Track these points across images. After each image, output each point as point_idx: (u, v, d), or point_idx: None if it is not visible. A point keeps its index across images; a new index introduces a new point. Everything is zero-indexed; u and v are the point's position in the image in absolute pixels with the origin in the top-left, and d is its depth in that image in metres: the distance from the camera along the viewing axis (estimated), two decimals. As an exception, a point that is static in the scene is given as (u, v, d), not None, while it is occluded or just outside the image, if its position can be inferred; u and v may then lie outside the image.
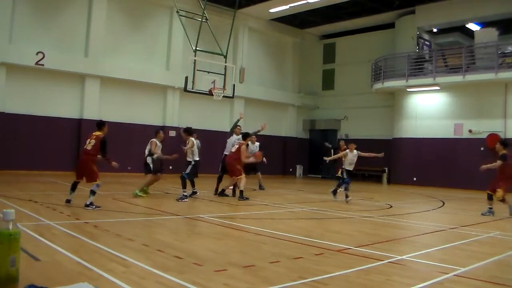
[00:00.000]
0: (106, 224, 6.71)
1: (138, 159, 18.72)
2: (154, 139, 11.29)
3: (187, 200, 10.32)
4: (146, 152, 11.34)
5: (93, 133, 8.61)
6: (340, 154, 12.14)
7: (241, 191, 11.23)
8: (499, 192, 9.60)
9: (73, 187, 8.48)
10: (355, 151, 11.88)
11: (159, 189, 12.59)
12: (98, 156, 8.48)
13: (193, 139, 10.87)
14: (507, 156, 9.68)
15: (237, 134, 12.35)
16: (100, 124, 8.78)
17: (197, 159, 10.87)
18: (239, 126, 12.78)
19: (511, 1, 18.40)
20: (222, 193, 11.75)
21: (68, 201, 8.45)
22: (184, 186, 10.46)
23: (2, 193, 9.66)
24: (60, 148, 16.85)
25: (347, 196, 11.73)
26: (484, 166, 9.83)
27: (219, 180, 12.15)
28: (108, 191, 11.38)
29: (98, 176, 8.31)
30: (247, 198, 11.21)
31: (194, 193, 10.98)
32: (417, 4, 20.90)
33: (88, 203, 8.18)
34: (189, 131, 11.05)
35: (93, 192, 8.21)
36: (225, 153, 12.28)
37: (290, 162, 25.15)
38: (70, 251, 4.81)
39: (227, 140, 12.58)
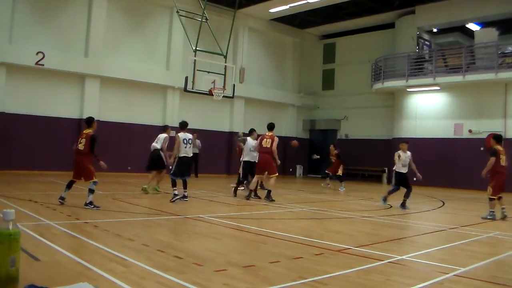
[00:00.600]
0: (106, 224, 6.71)
1: (138, 159, 18.87)
2: (167, 135, 11.27)
3: (178, 198, 9.81)
4: (158, 146, 11.24)
5: (83, 132, 8.64)
6: (396, 156, 10.96)
7: (269, 191, 11.17)
8: (488, 190, 9.51)
9: (69, 186, 8.52)
10: (408, 152, 10.91)
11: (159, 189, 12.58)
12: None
13: (180, 134, 10.27)
14: (498, 151, 9.43)
15: (256, 138, 11.84)
16: (89, 121, 8.75)
17: (182, 155, 10.08)
18: (254, 129, 12.27)
19: (511, 1, 18.40)
20: (256, 194, 11.47)
21: (61, 198, 8.44)
22: (173, 185, 10.03)
23: (2, 193, 9.66)
24: (60, 148, 16.83)
25: (403, 205, 10.81)
26: (484, 172, 9.54)
27: (240, 182, 12.03)
28: (108, 191, 11.38)
29: (95, 174, 8.37)
30: (273, 200, 11.02)
31: (174, 195, 9.89)
32: (417, 4, 20.89)
33: (88, 202, 8.22)
34: (181, 125, 10.50)
35: (91, 191, 8.26)
36: (245, 159, 11.75)
37: (290, 162, 25.13)
38: (70, 251, 4.81)
39: (244, 147, 12.00)
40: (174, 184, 10.02)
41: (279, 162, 11.53)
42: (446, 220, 9.68)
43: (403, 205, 11.03)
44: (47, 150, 16.72)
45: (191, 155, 10.36)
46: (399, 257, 5.27)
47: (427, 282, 4.19)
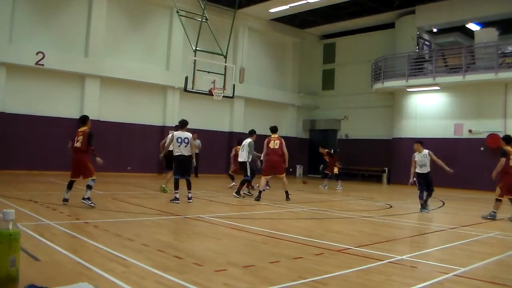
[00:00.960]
0: (106, 224, 6.71)
1: (138, 159, 18.88)
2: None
3: (178, 202, 9.69)
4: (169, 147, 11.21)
5: (79, 130, 8.70)
6: (412, 158, 10.48)
7: (287, 192, 11.49)
8: (497, 190, 9.48)
9: (69, 186, 8.56)
10: (425, 151, 10.32)
11: (158, 189, 12.57)
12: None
13: (175, 132, 10.19)
14: (508, 152, 9.37)
15: (255, 140, 12.33)
16: (84, 119, 8.88)
17: (176, 154, 9.95)
18: (255, 131, 12.60)
19: (511, 1, 18.41)
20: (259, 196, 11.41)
21: (65, 200, 8.51)
22: (175, 187, 10.00)
23: (2, 193, 9.66)
24: (60, 148, 16.73)
25: (423, 207, 10.21)
26: (494, 173, 9.42)
27: (249, 182, 12.30)
28: (108, 191, 11.39)
29: (94, 171, 8.45)
30: (289, 199, 11.42)
31: (175, 198, 9.82)
32: (417, 4, 20.90)
33: (86, 197, 8.27)
34: (179, 124, 10.34)
35: (89, 187, 8.31)
36: (241, 159, 12.26)
37: (290, 162, 25.00)
38: (70, 251, 4.81)
39: (249, 149, 12.24)
40: (176, 186, 9.96)
41: (287, 165, 11.69)
42: (446, 220, 9.68)
43: (424, 201, 10.46)
44: (47, 150, 16.70)
45: (187, 154, 9.99)
46: (399, 257, 5.27)
47: (427, 282, 4.19)
